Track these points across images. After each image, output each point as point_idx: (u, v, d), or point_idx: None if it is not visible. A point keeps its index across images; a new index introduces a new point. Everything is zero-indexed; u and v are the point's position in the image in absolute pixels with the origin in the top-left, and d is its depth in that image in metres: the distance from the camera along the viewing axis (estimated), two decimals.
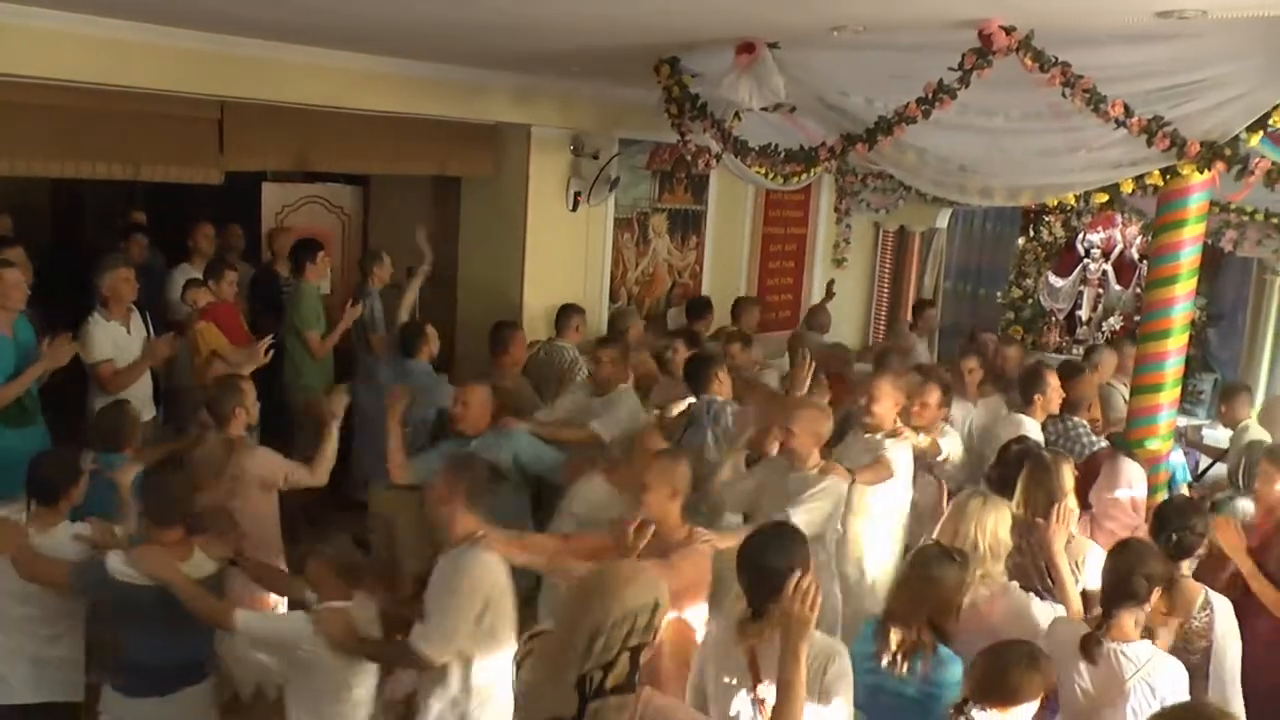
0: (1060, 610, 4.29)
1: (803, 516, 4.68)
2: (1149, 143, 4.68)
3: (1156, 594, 3.89)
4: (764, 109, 6.21)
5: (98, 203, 9.48)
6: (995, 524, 4.30)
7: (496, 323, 7.16)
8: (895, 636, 3.73)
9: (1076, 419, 6.54)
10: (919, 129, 4.99)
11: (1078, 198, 5.55)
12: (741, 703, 3.47)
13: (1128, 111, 4.62)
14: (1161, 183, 4.97)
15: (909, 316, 10.49)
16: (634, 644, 2.72)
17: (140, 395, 6.16)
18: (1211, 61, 4.52)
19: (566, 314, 7.63)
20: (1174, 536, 4.37)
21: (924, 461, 6.07)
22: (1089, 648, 3.78)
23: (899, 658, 3.71)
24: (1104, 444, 6.36)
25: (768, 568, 3.41)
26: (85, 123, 6.31)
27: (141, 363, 6.22)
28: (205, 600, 3.95)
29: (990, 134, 5.02)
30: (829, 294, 10.14)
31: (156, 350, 6.23)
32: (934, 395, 6.15)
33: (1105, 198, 5.31)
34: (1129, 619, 3.82)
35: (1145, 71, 4.62)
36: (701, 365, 6.34)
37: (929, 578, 3.78)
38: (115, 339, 6.21)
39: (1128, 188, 5.03)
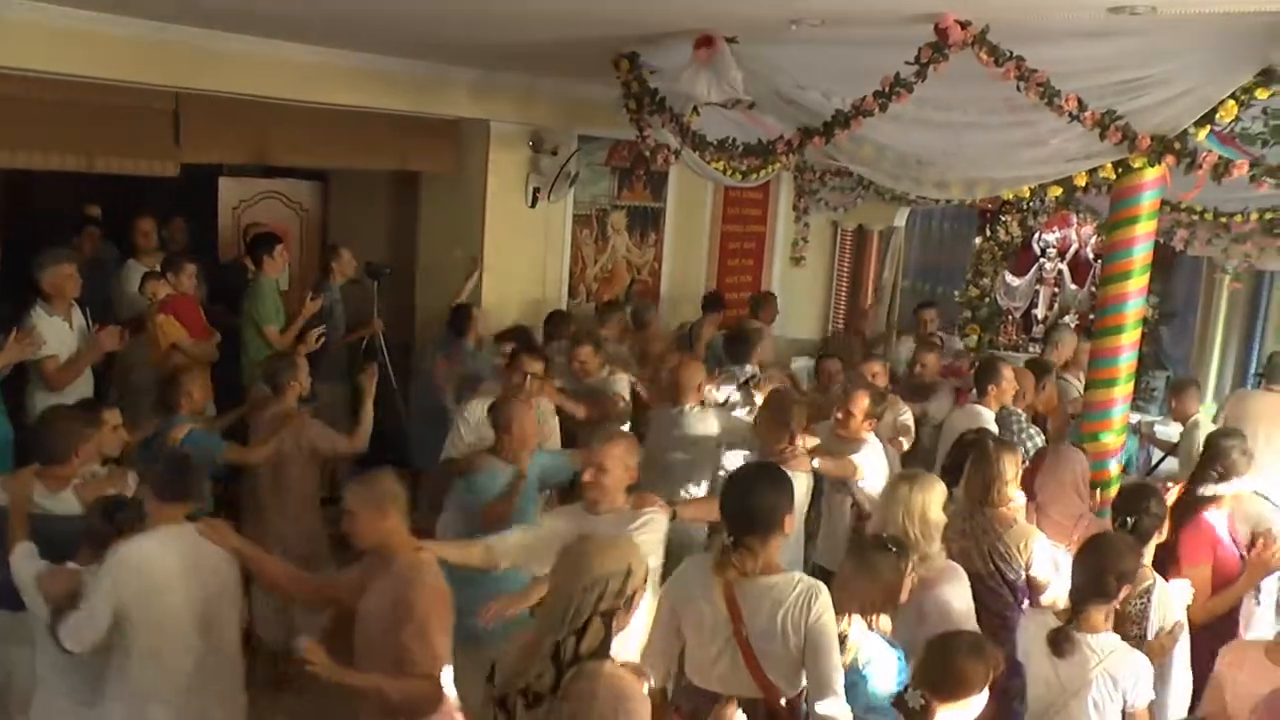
0: None
1: None
2: (1102, 136, 4.74)
3: (1126, 590, 3.91)
4: (722, 105, 6.23)
5: (50, 198, 9.33)
6: (924, 506, 4.27)
7: (551, 312, 7.84)
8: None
9: (1012, 407, 6.65)
10: (876, 123, 5.01)
11: (1033, 191, 5.61)
12: (723, 644, 3.44)
13: (1081, 106, 4.67)
14: (1114, 176, 5.04)
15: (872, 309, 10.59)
16: (605, 609, 2.80)
17: (81, 391, 6.04)
18: (1161, 58, 4.59)
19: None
20: (1129, 520, 4.42)
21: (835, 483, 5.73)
22: (1058, 643, 3.79)
23: None
24: (1035, 433, 6.51)
25: (752, 505, 3.45)
26: (37, 112, 6.21)
27: (85, 356, 6.09)
28: (16, 528, 4.12)
29: (946, 128, 5.05)
30: (876, 299, 10.10)
31: (101, 343, 6.10)
32: (859, 403, 5.72)
33: (1059, 191, 5.37)
34: (1099, 614, 3.84)
35: (1098, 67, 4.67)
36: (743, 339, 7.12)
37: (863, 568, 3.76)
38: (58, 334, 6.08)
39: (1081, 180, 5.09)
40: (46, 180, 9.24)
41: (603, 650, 2.81)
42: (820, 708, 3.35)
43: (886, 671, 3.61)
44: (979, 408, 6.57)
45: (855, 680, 3.55)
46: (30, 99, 6.11)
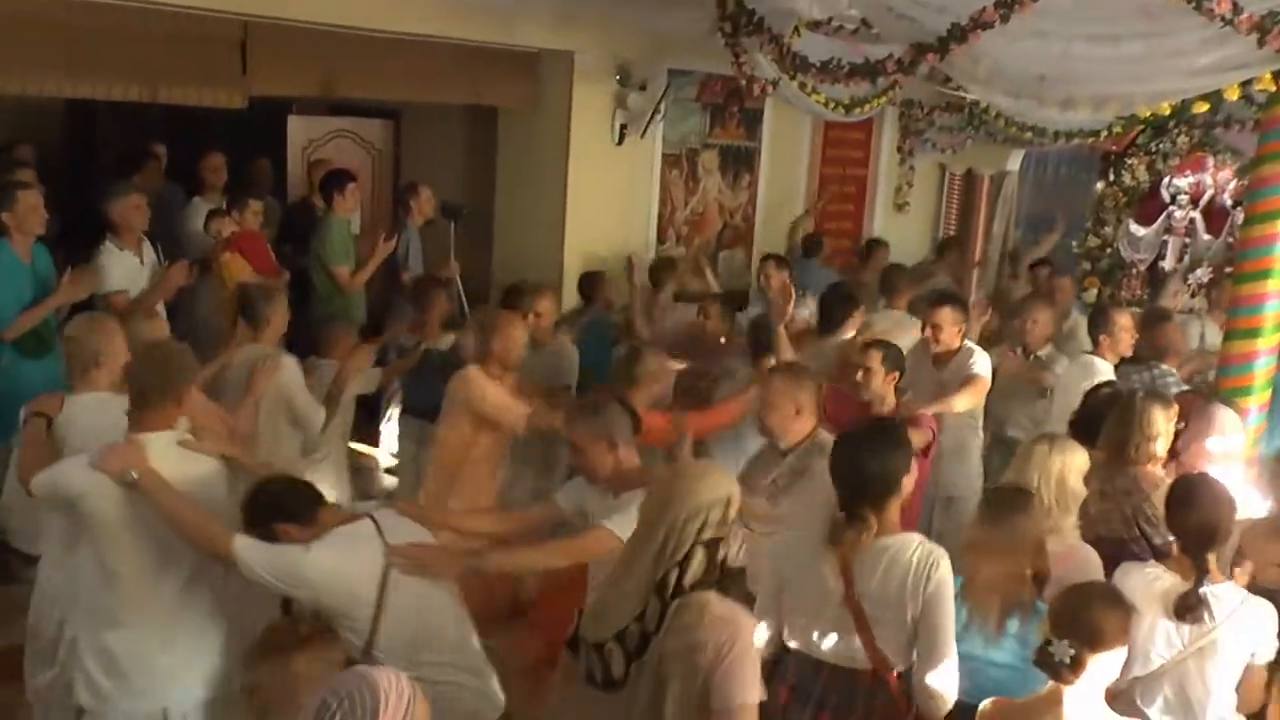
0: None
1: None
2: (1260, 43, 4.41)
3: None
4: (824, 32, 6.02)
5: (114, 137, 9.47)
6: (1063, 470, 4.07)
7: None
8: (993, 597, 3.56)
9: (1165, 366, 6.30)
10: (995, 36, 4.75)
11: (1174, 109, 5.30)
12: (834, 611, 3.35)
13: (1236, 9, 4.35)
14: (1273, 88, 4.71)
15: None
16: (707, 538, 2.83)
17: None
18: None
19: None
20: None
21: None
22: (1190, 608, 3.58)
23: (995, 620, 3.57)
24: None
25: (864, 471, 3.34)
26: (100, 41, 6.23)
27: (156, 292, 6.15)
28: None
29: (1073, 40, 4.77)
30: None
31: (170, 278, 6.13)
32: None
33: (1206, 107, 5.06)
34: (1214, 560, 3.68)
35: None
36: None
37: (1013, 524, 3.60)
38: (128, 269, 6.17)
39: (1233, 94, 4.79)
40: (110, 118, 9.45)
41: (707, 582, 2.84)
42: (928, 679, 3.26)
43: None
44: (1094, 359, 6.24)
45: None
46: (93, 26, 6.13)
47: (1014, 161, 10.75)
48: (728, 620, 2.82)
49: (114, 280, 6.09)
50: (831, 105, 6.95)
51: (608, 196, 8.27)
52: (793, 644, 3.49)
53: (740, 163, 9.24)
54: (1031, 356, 6.65)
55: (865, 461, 3.35)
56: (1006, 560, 3.56)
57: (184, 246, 7.28)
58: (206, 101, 6.79)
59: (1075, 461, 4.13)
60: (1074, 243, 10.83)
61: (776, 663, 3.51)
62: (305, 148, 8.83)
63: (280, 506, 3.50)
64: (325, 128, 9.00)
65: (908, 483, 3.39)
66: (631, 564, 2.88)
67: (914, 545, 3.29)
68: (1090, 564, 3.97)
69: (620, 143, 8.21)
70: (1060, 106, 5.05)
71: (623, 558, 2.98)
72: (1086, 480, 4.18)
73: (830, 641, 3.38)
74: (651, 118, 8.16)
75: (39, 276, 5.70)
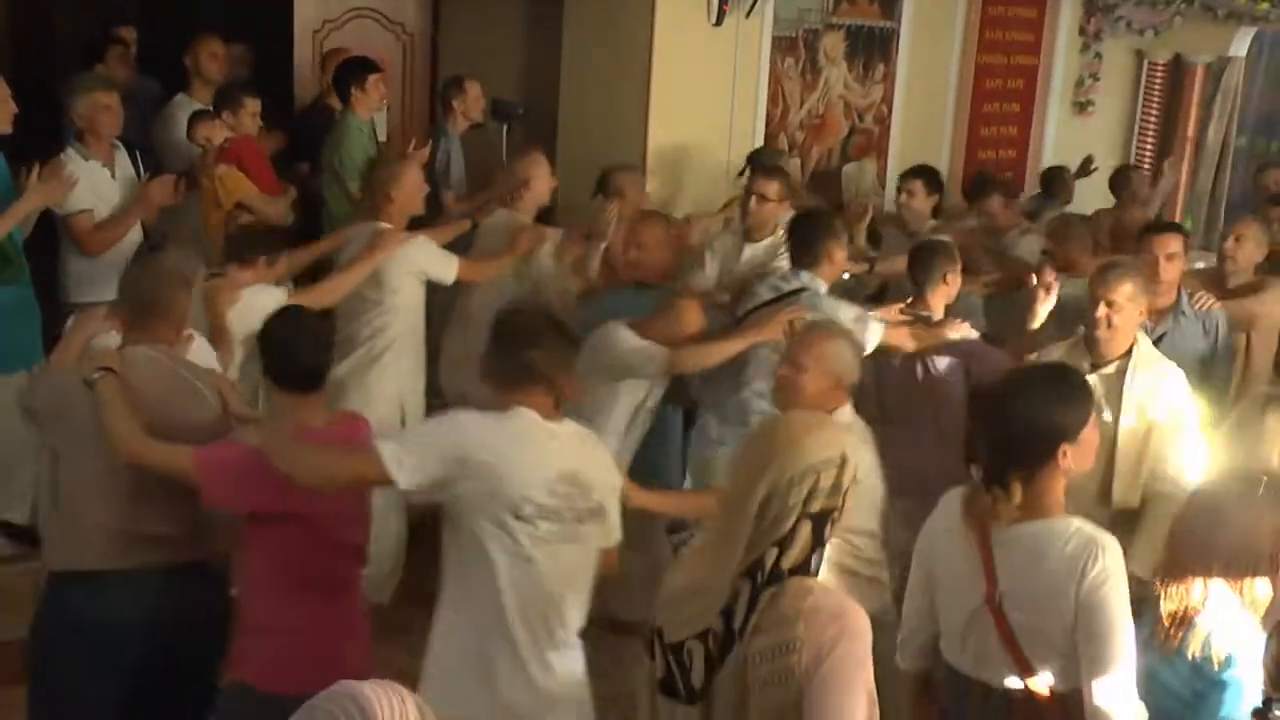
0: None
1: None
2: None
3: None
4: None
5: (74, 17, 9.56)
6: None
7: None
8: (1171, 601, 3.44)
9: None
10: None
11: None
12: (971, 610, 3.34)
13: None
14: None
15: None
16: (816, 509, 2.72)
17: (126, 256, 6.10)
18: None
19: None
20: None
21: None
22: None
23: (1171, 629, 3.45)
24: None
25: (1013, 424, 3.29)
26: None
27: (131, 212, 6.17)
28: None
29: None
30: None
31: (150, 195, 6.15)
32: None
33: None
34: None
35: None
36: None
37: (1218, 518, 3.43)
38: (96, 184, 6.17)
39: None
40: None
41: (807, 566, 2.76)
42: (1096, 700, 3.19)
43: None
44: None
45: (1205, 689, 3.33)
46: None
47: (1240, 44, 10.41)
48: (832, 614, 2.71)
49: (79, 197, 6.07)
50: None
51: (703, 93, 8.19)
52: (944, 651, 3.50)
53: (873, 49, 9.11)
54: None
55: (1015, 412, 3.30)
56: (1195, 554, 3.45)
57: (162, 155, 7.31)
58: None
59: None
60: None
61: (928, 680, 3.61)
62: (317, 31, 8.75)
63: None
64: (343, 5, 8.89)
65: (1075, 455, 3.28)
66: (722, 540, 2.78)
67: (1069, 530, 3.24)
68: None
69: (719, 23, 8.07)
70: None
71: (709, 533, 2.96)
72: None
73: (973, 648, 3.37)
74: None
75: None
